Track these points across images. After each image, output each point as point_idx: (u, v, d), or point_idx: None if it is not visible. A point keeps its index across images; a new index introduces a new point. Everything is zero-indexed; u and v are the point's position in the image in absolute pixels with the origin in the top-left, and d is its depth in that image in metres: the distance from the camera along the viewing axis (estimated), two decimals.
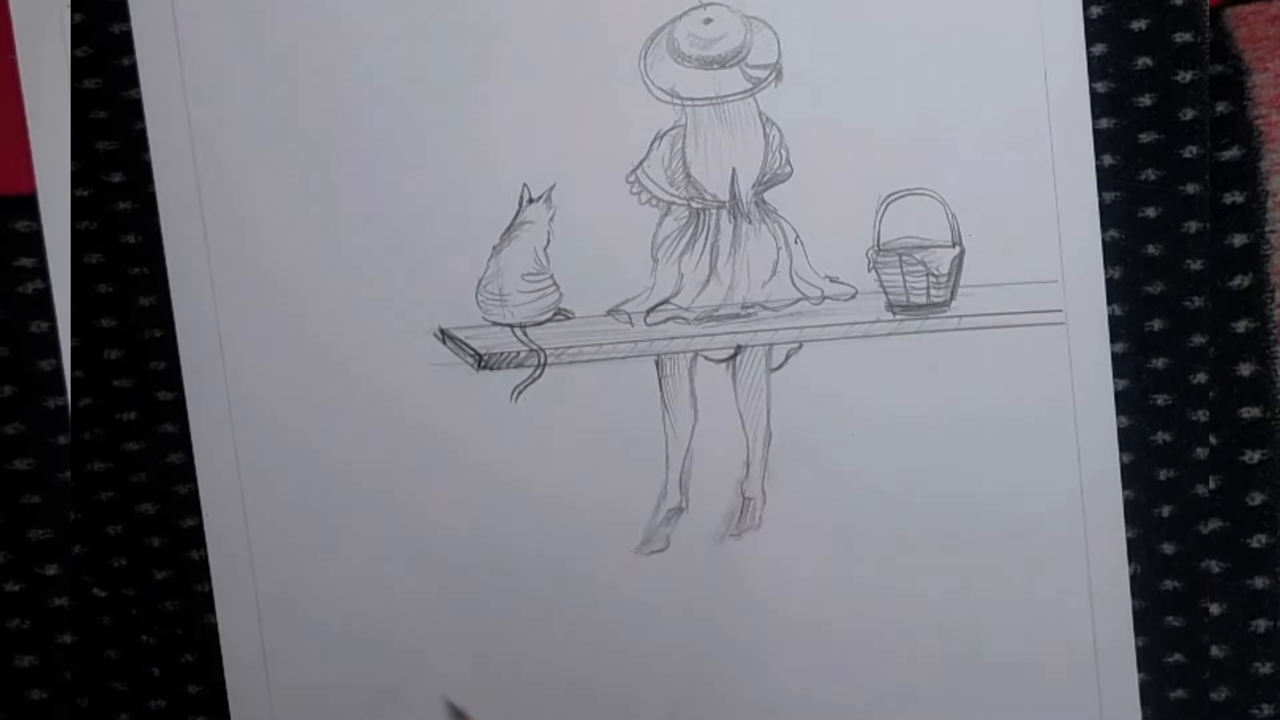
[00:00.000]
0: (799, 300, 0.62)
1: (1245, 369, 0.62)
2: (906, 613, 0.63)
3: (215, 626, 0.64)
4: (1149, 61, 0.61)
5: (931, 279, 0.62)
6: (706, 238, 0.62)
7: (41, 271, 0.63)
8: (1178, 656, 0.63)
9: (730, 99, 0.62)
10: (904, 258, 0.62)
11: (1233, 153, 0.62)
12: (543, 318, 0.63)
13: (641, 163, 0.62)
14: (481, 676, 0.64)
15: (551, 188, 0.62)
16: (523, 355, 0.63)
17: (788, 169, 0.62)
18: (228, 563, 0.64)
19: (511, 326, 0.63)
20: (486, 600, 0.64)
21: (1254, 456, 0.62)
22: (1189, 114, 0.61)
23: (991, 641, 0.63)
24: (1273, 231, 0.61)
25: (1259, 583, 0.62)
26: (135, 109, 0.63)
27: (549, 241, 0.62)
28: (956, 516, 0.63)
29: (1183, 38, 0.61)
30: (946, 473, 0.63)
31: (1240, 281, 0.62)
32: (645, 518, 0.63)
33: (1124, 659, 0.63)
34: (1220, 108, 0.62)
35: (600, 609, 0.63)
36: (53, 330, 0.63)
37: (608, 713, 0.64)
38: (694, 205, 0.62)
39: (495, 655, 0.64)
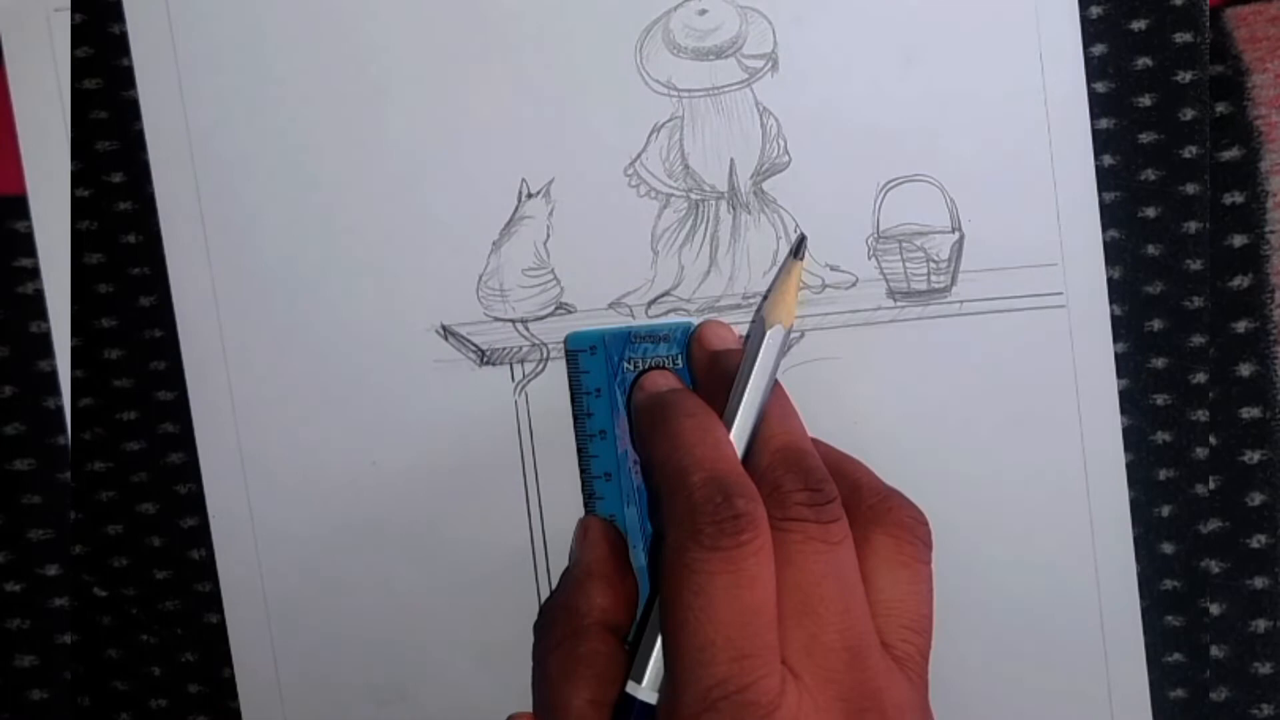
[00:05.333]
0: (800, 289, 0.62)
1: (1245, 369, 0.62)
2: None
3: (216, 626, 0.64)
4: (1149, 61, 0.61)
5: (932, 265, 0.62)
6: (706, 229, 0.62)
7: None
8: (1178, 656, 0.63)
9: (727, 89, 0.62)
10: (904, 244, 0.62)
11: (1233, 153, 0.62)
12: (544, 312, 0.63)
13: (639, 155, 0.62)
14: (490, 673, 0.64)
15: (550, 182, 0.62)
16: (525, 350, 0.63)
17: (786, 158, 0.62)
18: (234, 563, 0.64)
19: (513, 322, 0.63)
20: (493, 596, 0.64)
21: (1254, 456, 0.62)
22: (1189, 114, 0.61)
23: (996, 630, 0.63)
24: (1273, 232, 0.61)
25: (1259, 583, 0.62)
26: (135, 109, 0.63)
27: (549, 236, 0.62)
28: (961, 501, 0.63)
29: (1183, 38, 0.61)
30: (950, 457, 0.63)
31: (1240, 281, 0.62)
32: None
33: (1132, 642, 0.62)
34: (1220, 108, 0.62)
35: None
36: (48, 330, 0.63)
37: None
38: (693, 197, 0.62)
39: (503, 652, 0.64)
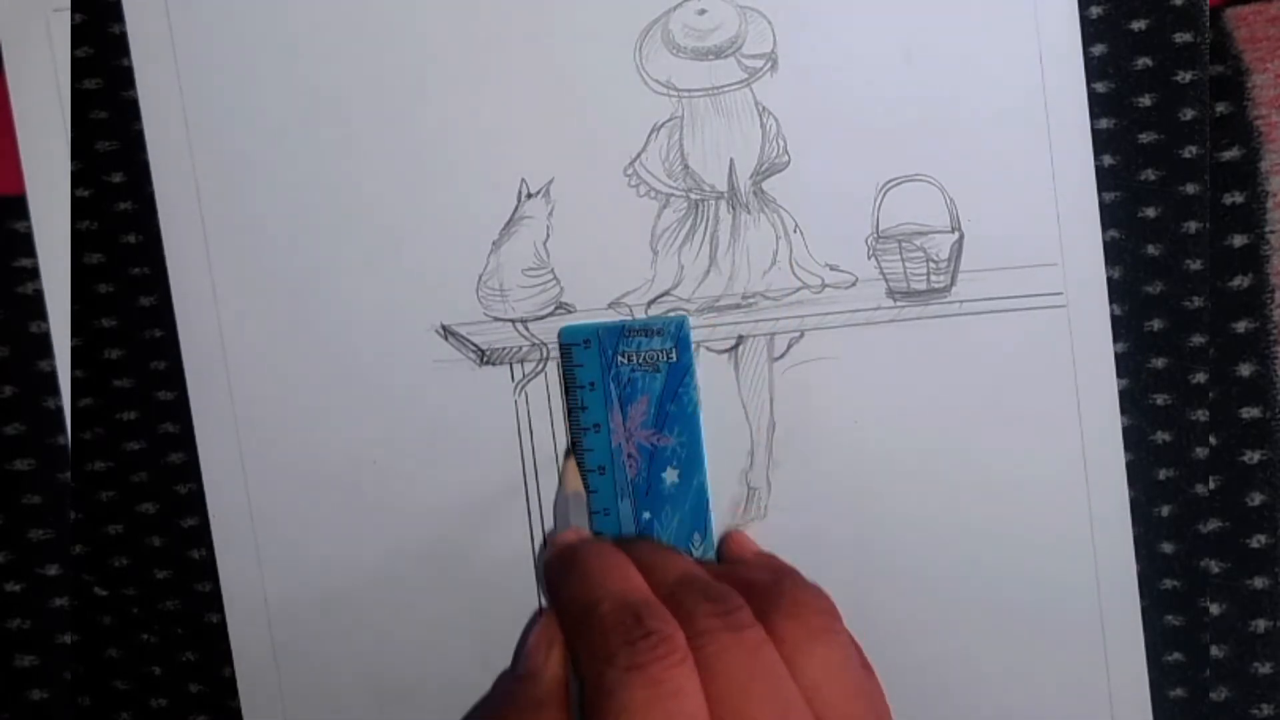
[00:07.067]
0: (799, 289, 0.62)
1: (1245, 369, 0.62)
2: (912, 603, 0.63)
3: (217, 625, 0.64)
4: (1149, 61, 0.61)
5: (931, 265, 0.62)
6: (706, 229, 0.62)
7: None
8: (1178, 656, 0.63)
9: (726, 89, 0.62)
10: (903, 244, 0.62)
11: (1233, 153, 0.62)
12: (544, 312, 0.63)
13: (639, 155, 0.62)
14: (490, 672, 0.64)
15: (550, 182, 0.62)
16: (525, 350, 0.63)
17: (785, 158, 0.62)
18: (235, 562, 0.64)
19: (513, 321, 0.63)
20: (492, 595, 0.64)
21: (1254, 456, 0.62)
22: (1189, 114, 0.61)
23: (996, 630, 0.63)
24: (1273, 232, 0.61)
25: (1259, 583, 0.62)
26: (136, 109, 0.63)
27: (548, 236, 0.62)
28: (961, 500, 0.63)
29: (1183, 38, 0.61)
30: (950, 457, 0.63)
31: (1240, 281, 0.62)
32: None
33: (1132, 642, 0.62)
34: (1220, 108, 0.62)
35: None
36: (46, 330, 0.63)
37: None
38: (692, 196, 0.62)
39: (503, 651, 0.64)
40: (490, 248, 0.63)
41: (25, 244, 0.63)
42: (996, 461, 0.62)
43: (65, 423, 0.64)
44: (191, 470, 0.64)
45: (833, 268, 0.62)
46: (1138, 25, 0.62)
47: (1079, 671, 0.63)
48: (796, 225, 0.62)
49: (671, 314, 0.63)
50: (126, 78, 0.63)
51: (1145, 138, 0.62)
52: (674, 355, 0.62)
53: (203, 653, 0.65)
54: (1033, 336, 0.62)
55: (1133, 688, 0.63)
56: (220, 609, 0.65)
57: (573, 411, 0.63)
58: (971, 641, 0.62)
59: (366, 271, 0.63)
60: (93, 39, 0.64)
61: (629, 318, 0.63)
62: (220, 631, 0.65)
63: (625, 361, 0.62)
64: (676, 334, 0.62)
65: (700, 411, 0.62)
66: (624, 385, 0.62)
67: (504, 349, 0.63)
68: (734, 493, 0.63)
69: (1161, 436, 0.62)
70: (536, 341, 0.63)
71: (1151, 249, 0.62)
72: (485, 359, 0.63)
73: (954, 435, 0.62)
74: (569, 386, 0.63)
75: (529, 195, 0.62)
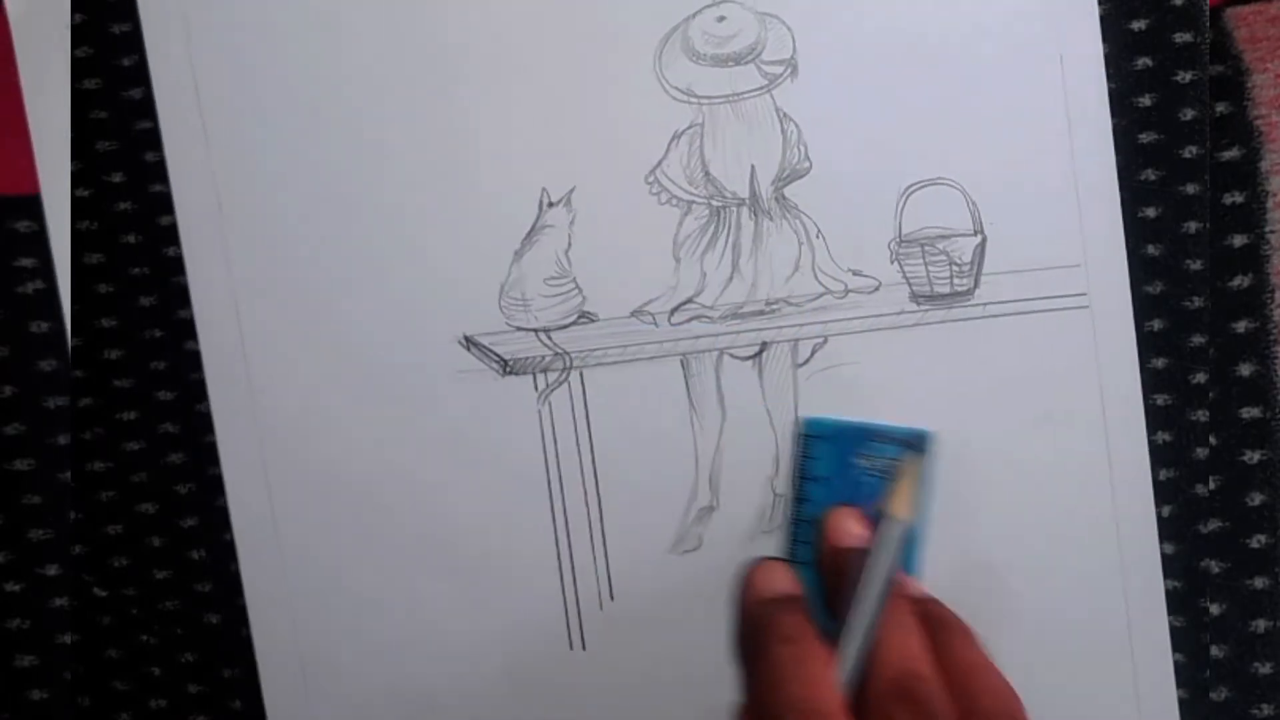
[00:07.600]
0: (823, 294, 0.62)
1: (1245, 369, 0.62)
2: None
3: (217, 626, 0.64)
4: (1149, 61, 0.62)
5: (954, 268, 0.62)
6: (728, 235, 0.63)
7: (42, 272, 0.63)
8: (1178, 656, 0.63)
9: (746, 96, 0.62)
10: (926, 248, 0.62)
11: (1233, 153, 0.62)
12: (566, 321, 0.63)
13: (660, 163, 0.62)
14: (515, 680, 0.64)
15: (571, 191, 0.62)
16: (548, 359, 0.63)
17: (806, 164, 0.62)
18: (260, 573, 0.64)
19: (535, 331, 0.63)
20: (517, 605, 0.64)
21: (1254, 456, 0.62)
22: (1189, 114, 0.61)
23: (1022, 628, 0.63)
24: (1273, 232, 0.62)
25: (1259, 583, 0.62)
26: (136, 109, 0.63)
27: (570, 245, 0.62)
28: (986, 502, 0.63)
29: (1183, 38, 0.61)
30: (975, 459, 0.63)
31: (1240, 281, 0.62)
32: (677, 518, 0.63)
33: (1158, 640, 0.63)
34: (1220, 108, 0.62)
35: (636, 610, 0.64)
36: (54, 330, 0.63)
37: (644, 686, 0.64)
38: (714, 203, 0.62)
39: (528, 659, 0.64)
40: (512, 257, 0.63)
41: (26, 244, 0.63)
42: (1021, 463, 0.62)
43: (65, 423, 0.64)
44: (192, 470, 0.64)
45: (856, 272, 0.62)
46: (1138, 25, 0.62)
47: (1105, 667, 0.63)
48: (819, 231, 0.62)
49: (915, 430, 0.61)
50: (126, 77, 0.63)
51: (1145, 138, 0.62)
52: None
53: (202, 653, 0.65)
54: (1056, 338, 0.62)
55: (1158, 683, 0.63)
56: (219, 609, 0.65)
57: (796, 500, 0.62)
58: (996, 641, 0.62)
59: (388, 282, 0.63)
60: (93, 39, 0.63)
61: (872, 421, 0.62)
62: (220, 631, 0.65)
63: (862, 464, 0.62)
64: (917, 441, 0.61)
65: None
66: (854, 487, 0.61)
67: (527, 359, 0.63)
68: (760, 500, 0.63)
69: (1161, 436, 0.63)
70: (559, 351, 0.63)
71: (1151, 249, 0.62)
72: (508, 369, 0.63)
73: (979, 438, 0.63)
74: (798, 476, 0.63)
75: (550, 204, 0.62)
